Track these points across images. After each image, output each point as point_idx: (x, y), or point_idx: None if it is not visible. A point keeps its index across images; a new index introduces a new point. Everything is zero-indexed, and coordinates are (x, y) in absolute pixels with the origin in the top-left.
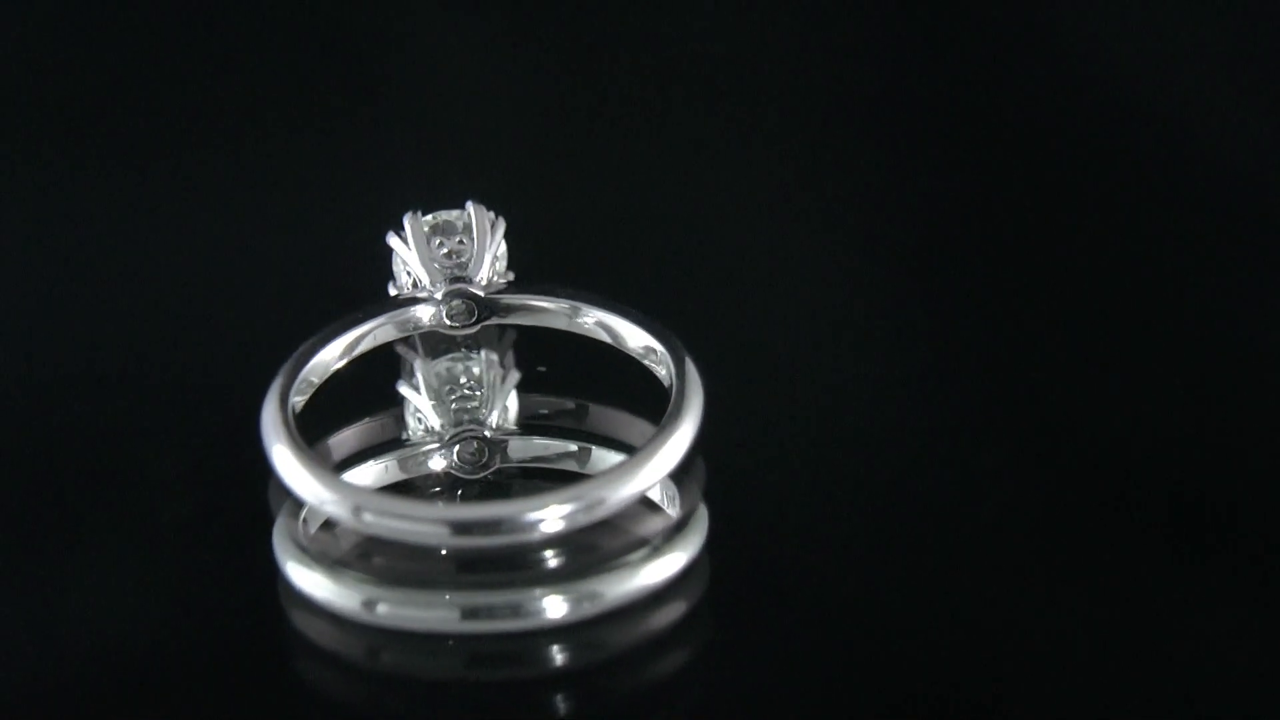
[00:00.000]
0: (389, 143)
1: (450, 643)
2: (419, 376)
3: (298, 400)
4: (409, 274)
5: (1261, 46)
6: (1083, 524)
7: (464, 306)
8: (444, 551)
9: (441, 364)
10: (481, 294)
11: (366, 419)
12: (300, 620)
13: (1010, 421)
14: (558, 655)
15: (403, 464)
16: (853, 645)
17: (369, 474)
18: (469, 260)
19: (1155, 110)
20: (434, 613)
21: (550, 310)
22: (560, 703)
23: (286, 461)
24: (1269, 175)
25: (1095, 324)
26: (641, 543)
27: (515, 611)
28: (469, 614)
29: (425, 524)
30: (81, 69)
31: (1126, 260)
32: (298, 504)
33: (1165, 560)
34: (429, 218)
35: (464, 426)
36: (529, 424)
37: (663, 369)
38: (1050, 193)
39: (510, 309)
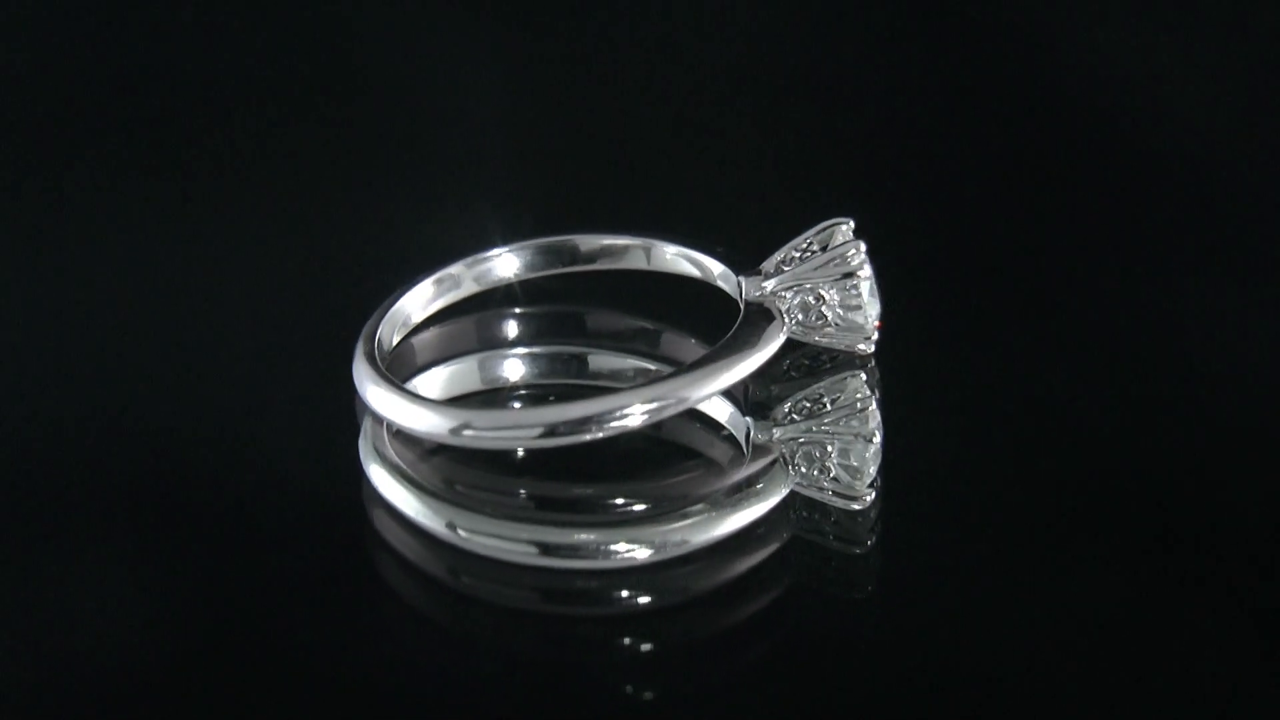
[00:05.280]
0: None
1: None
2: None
3: (388, 339)
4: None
5: (1252, 48)
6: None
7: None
8: (520, 453)
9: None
10: (745, 296)
11: (445, 323)
12: (380, 520)
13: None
14: (636, 596)
15: (481, 366)
16: (933, 592)
17: (443, 375)
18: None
19: (1150, 110)
20: (512, 545)
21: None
22: (634, 642)
23: (377, 397)
24: (1265, 174)
25: (1091, 326)
26: (727, 488)
27: (596, 551)
28: (547, 550)
29: (515, 430)
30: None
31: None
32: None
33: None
34: (842, 230)
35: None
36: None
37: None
38: (1044, 194)
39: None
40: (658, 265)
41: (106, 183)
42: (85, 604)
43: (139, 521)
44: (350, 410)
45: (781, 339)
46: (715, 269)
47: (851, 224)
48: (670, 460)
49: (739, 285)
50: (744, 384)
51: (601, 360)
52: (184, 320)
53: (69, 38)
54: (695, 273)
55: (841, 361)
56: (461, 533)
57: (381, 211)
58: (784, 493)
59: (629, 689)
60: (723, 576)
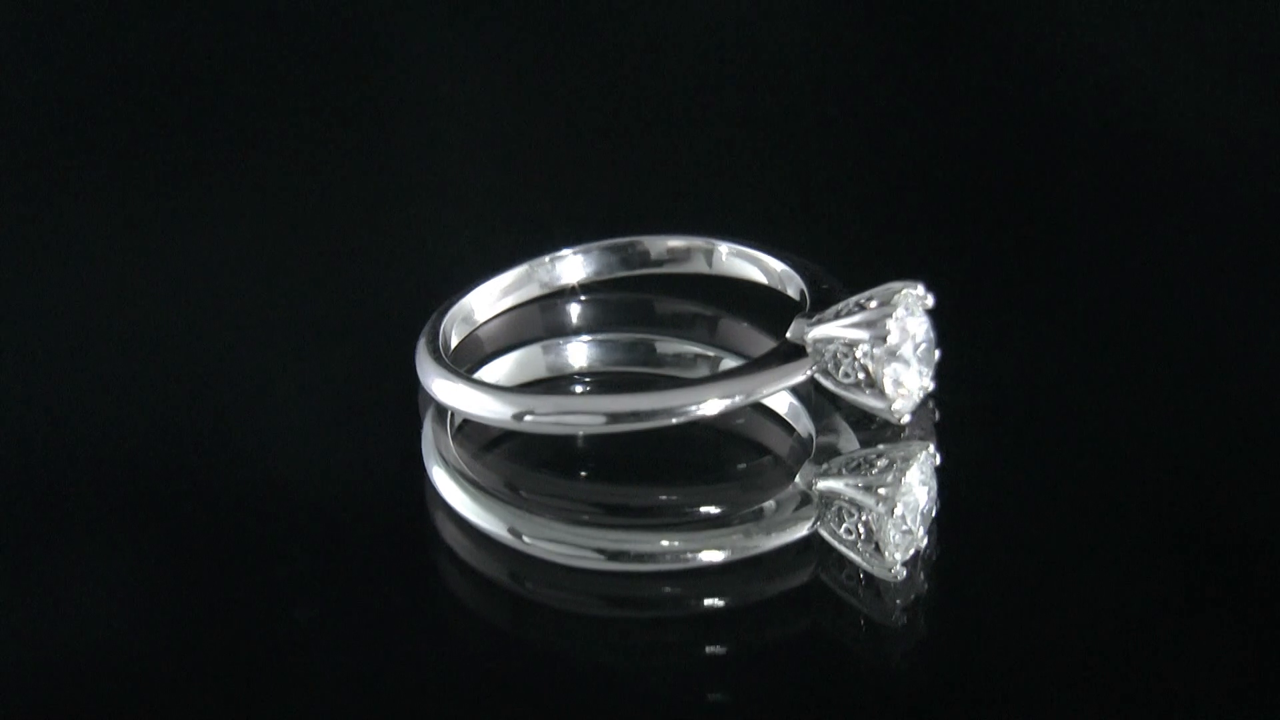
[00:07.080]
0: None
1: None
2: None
3: (451, 333)
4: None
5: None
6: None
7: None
8: (581, 435)
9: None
10: (792, 335)
11: (510, 311)
12: (441, 523)
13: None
14: (701, 598)
15: (546, 352)
16: (1002, 603)
17: (510, 363)
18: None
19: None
20: (577, 550)
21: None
22: (699, 645)
23: (440, 385)
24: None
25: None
26: (794, 495)
27: (661, 556)
28: (612, 556)
29: (583, 415)
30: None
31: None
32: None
33: None
34: (902, 293)
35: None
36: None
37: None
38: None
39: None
40: (719, 268)
41: (167, 187)
42: (144, 602)
43: (200, 522)
44: (414, 412)
45: (788, 382)
46: (777, 268)
47: (920, 288)
48: (730, 455)
49: (803, 293)
50: (809, 395)
51: (668, 346)
52: (251, 323)
53: (128, 48)
54: (761, 277)
55: (899, 424)
56: (526, 539)
57: (443, 214)
58: (804, 533)
59: (714, 697)
60: (788, 581)
